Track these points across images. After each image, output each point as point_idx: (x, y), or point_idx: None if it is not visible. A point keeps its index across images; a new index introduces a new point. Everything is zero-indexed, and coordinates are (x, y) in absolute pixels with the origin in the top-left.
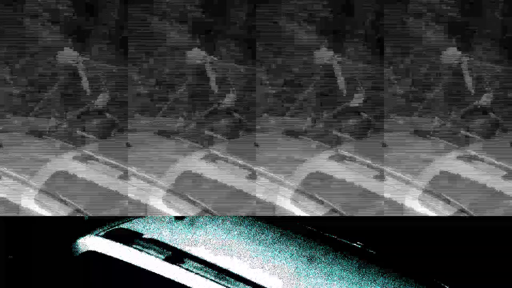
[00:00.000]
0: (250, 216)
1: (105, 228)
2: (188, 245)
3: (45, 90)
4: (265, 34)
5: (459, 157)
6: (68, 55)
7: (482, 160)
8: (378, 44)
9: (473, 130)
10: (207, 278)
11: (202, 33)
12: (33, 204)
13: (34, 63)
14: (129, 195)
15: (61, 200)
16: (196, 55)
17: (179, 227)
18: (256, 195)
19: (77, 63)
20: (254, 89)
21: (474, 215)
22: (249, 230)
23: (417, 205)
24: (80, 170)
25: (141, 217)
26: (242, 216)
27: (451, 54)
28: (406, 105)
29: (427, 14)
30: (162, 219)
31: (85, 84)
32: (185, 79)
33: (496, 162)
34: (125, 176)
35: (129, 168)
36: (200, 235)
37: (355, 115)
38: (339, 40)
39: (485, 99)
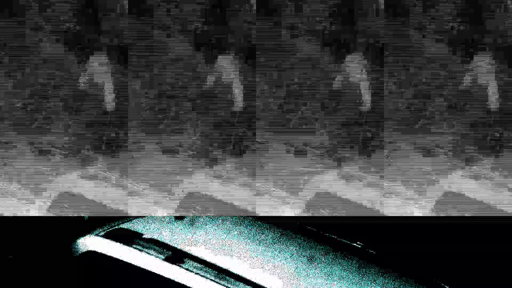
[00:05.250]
0: (250, 216)
1: (105, 228)
2: (188, 245)
3: (47, 102)
4: (267, 46)
5: (463, 176)
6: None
7: (487, 177)
8: (380, 55)
9: (477, 144)
10: (207, 278)
11: (204, 45)
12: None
13: (36, 74)
14: (133, 214)
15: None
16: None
17: (179, 227)
18: (261, 214)
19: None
20: (254, 101)
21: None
22: (249, 230)
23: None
24: (85, 188)
25: (141, 217)
26: (242, 216)
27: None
28: (408, 117)
29: (429, 26)
30: (162, 219)
31: (109, 100)
32: (187, 90)
33: (501, 179)
34: (129, 195)
35: (133, 187)
36: (200, 235)
37: (358, 128)
38: (341, 52)
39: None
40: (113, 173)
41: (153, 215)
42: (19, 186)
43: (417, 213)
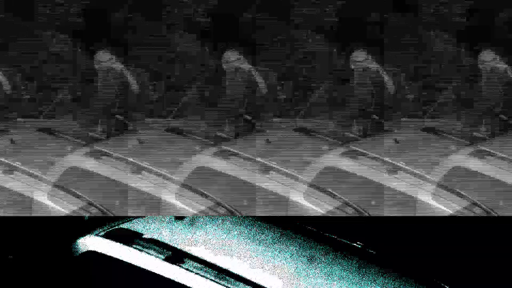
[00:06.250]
0: (250, 216)
1: (105, 228)
2: (188, 245)
3: (55, 94)
4: (274, 41)
5: (471, 153)
6: (105, 56)
7: (494, 155)
8: (388, 49)
9: (484, 132)
10: (207, 278)
11: (211, 40)
12: (46, 199)
13: (44, 68)
14: (142, 188)
15: (74, 195)
16: (232, 56)
17: (179, 227)
18: (269, 189)
19: (121, 66)
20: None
21: (487, 209)
22: (249, 230)
23: (430, 199)
24: (93, 165)
25: (141, 217)
26: (242, 216)
27: (488, 56)
28: (417, 108)
29: (436, 22)
30: (162, 219)
31: (133, 85)
32: (195, 83)
33: (508, 157)
34: (137, 170)
35: (141, 163)
36: (200, 235)
37: (366, 117)
38: (348, 47)
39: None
40: (120, 150)
41: (161, 192)
42: (29, 166)
43: (424, 187)
